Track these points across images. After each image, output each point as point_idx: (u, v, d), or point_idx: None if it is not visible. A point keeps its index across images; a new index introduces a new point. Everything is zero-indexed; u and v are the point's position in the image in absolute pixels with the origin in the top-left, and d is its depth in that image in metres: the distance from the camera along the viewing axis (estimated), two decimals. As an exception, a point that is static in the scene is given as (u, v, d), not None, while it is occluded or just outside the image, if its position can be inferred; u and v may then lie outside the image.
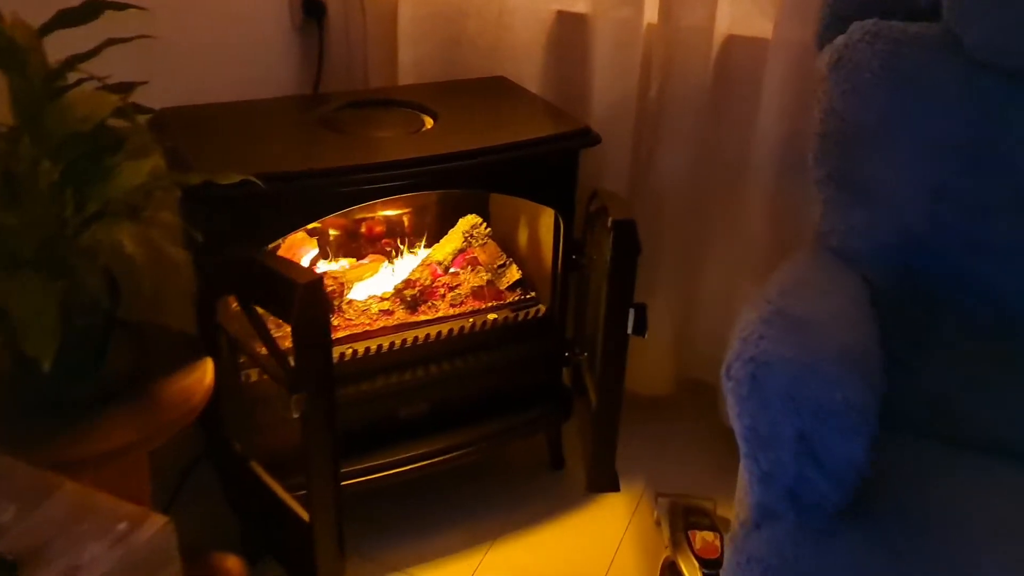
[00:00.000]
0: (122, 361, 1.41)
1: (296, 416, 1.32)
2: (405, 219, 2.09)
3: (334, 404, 1.40)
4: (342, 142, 1.65)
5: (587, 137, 1.73)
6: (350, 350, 1.74)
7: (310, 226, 1.89)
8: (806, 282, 1.37)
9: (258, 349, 1.52)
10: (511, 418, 1.89)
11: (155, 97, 1.71)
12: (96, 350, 1.33)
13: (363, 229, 2.08)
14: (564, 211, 1.80)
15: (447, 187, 1.78)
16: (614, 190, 1.91)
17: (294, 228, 1.59)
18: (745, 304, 1.29)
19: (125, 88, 1.18)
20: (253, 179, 1.27)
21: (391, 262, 1.96)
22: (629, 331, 1.58)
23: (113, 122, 1.26)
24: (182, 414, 1.40)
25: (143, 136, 1.22)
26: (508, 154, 1.65)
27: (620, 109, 1.87)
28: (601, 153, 1.87)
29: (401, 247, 2.00)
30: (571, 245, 1.84)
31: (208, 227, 1.46)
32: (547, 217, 1.87)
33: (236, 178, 1.24)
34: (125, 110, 1.26)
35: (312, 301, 1.30)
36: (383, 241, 2.09)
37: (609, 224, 1.54)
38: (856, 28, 1.43)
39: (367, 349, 1.75)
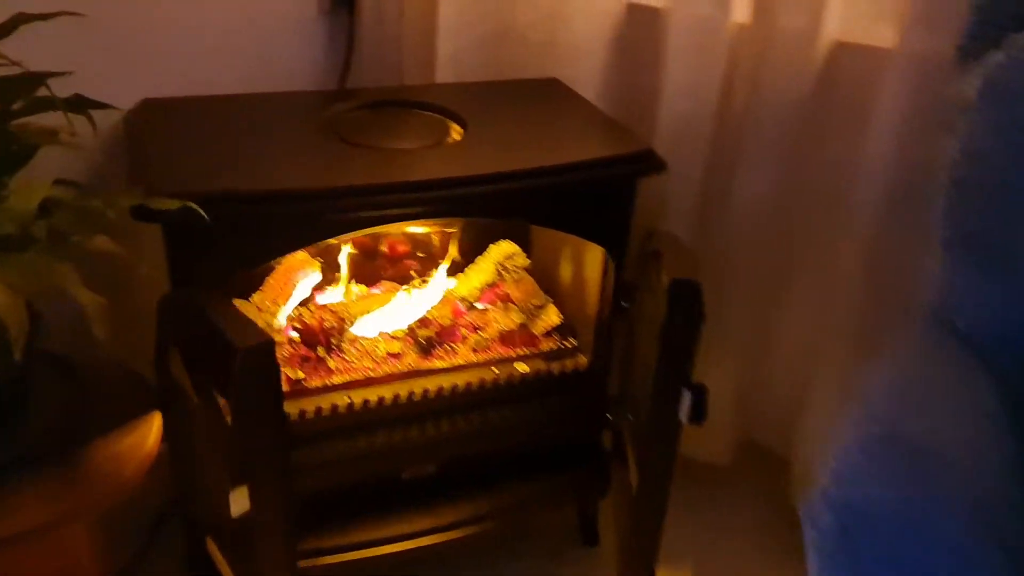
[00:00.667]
0: (49, 415, 1.15)
1: (235, 516, 1.03)
2: (435, 238, 1.78)
3: (288, 500, 1.11)
4: (340, 154, 1.35)
5: (649, 162, 1.40)
6: (346, 400, 1.46)
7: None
8: (922, 384, 1.02)
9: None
10: (537, 485, 1.61)
11: (151, 88, 1.44)
12: (5, 406, 1.07)
13: (384, 247, 1.78)
14: (615, 250, 1.48)
15: (465, 215, 1.47)
16: (677, 228, 1.58)
17: (266, 259, 1.30)
18: (835, 412, 0.94)
19: (35, 79, 0.90)
20: (192, 206, 0.98)
21: (408, 291, 1.66)
22: (683, 418, 1.25)
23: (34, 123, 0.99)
24: (115, 486, 1.13)
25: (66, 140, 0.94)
26: (547, 179, 1.34)
27: (693, 127, 1.54)
28: (664, 181, 1.54)
29: (420, 276, 1.70)
30: (621, 289, 1.52)
31: (171, 254, 1.19)
32: (595, 252, 1.54)
33: (172, 204, 0.96)
34: (52, 102, 0.98)
35: (256, 372, 1.01)
36: (406, 263, 1.79)
37: (666, 283, 1.21)
38: (1018, 43, 1.07)
39: (366, 401, 1.46)
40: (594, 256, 1.55)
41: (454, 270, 1.71)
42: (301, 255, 1.60)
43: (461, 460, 1.51)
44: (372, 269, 1.75)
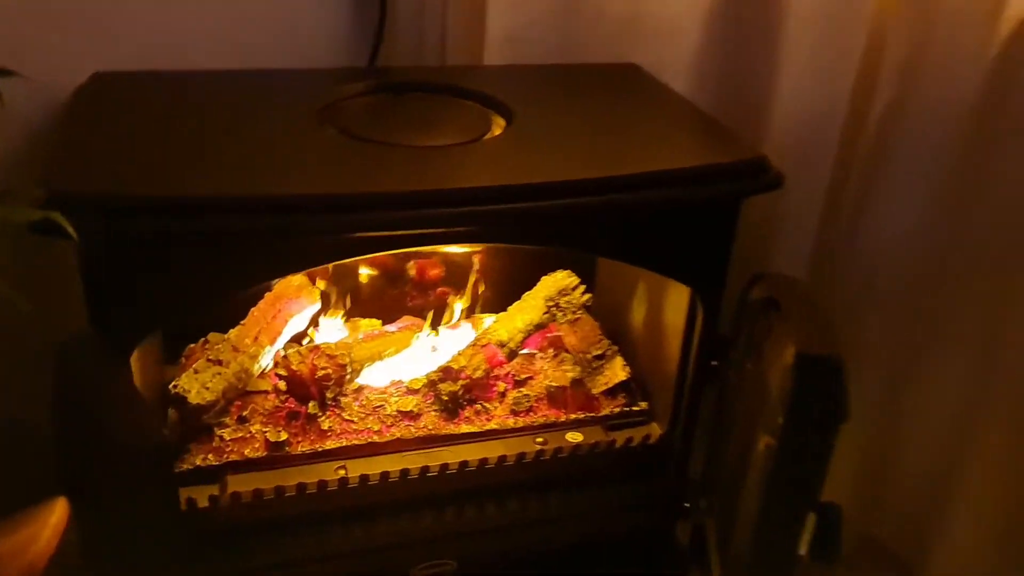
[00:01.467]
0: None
1: None
2: (476, 259, 1.41)
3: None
4: (336, 150, 1.00)
5: (761, 175, 1.02)
6: (340, 473, 1.10)
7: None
8: None
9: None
10: None
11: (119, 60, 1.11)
12: None
13: (411, 271, 1.42)
14: (707, 291, 1.09)
15: (499, 240, 1.09)
16: (786, 270, 1.17)
17: (215, 294, 0.94)
18: None
19: None
20: (56, 217, 0.64)
21: (433, 332, 1.30)
22: (801, 551, 0.85)
23: None
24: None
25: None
26: (616, 195, 0.96)
27: (816, 134, 1.15)
28: (778, 202, 1.14)
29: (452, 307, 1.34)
30: (712, 344, 1.14)
31: (87, 286, 0.86)
32: (680, 293, 1.16)
33: (34, 215, 0.62)
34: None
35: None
36: (439, 291, 1.43)
37: (790, 357, 0.81)
38: None
39: (365, 477, 1.10)
40: (678, 296, 1.17)
41: (498, 304, 1.34)
42: (298, 279, 1.25)
43: (489, 560, 1.20)
44: (395, 298, 1.39)
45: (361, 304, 1.35)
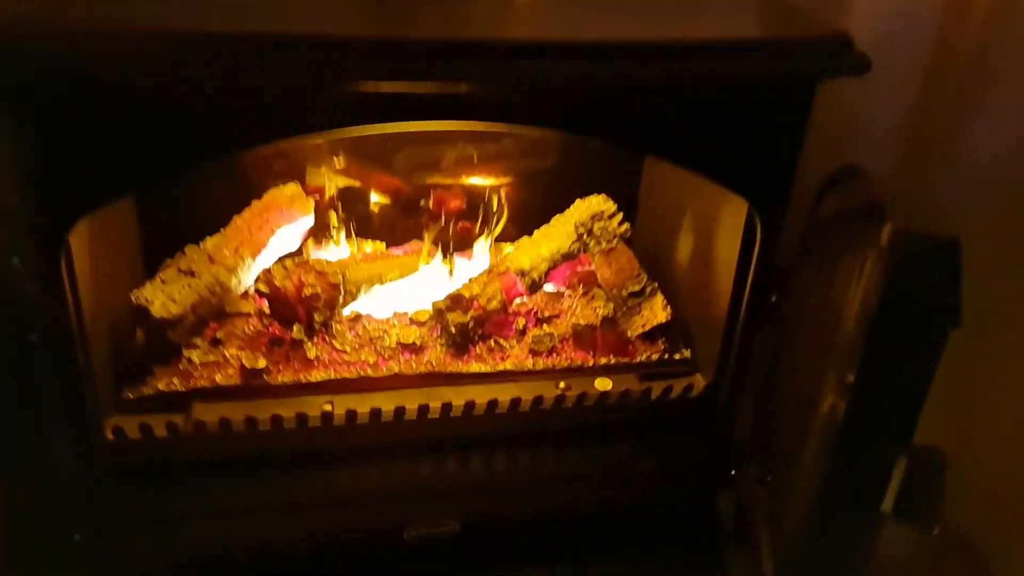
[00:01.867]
0: None
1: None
2: (503, 192, 1.24)
3: None
4: None
5: (842, 56, 0.82)
6: (326, 407, 0.94)
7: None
8: None
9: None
10: (611, 569, 1.08)
11: None
12: None
13: (429, 201, 1.25)
14: (767, 206, 0.90)
15: (533, 121, 0.89)
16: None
17: (163, 171, 0.78)
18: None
19: None
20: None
21: (447, 259, 1.13)
22: (885, 507, 0.66)
23: None
24: None
25: None
26: (672, 64, 0.78)
27: (906, 30, 0.94)
28: (860, 95, 0.95)
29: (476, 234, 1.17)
30: (771, 274, 0.94)
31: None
32: (733, 215, 0.97)
33: None
34: None
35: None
36: (460, 226, 1.26)
37: (884, 238, 0.62)
38: None
39: (352, 413, 0.94)
40: (731, 220, 0.98)
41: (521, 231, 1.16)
42: (291, 188, 1.09)
43: (496, 524, 1.03)
44: (408, 231, 1.22)
45: (368, 235, 1.19)
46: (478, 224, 1.18)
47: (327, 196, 1.16)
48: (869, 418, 0.69)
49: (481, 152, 1.26)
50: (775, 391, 1.04)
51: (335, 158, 1.20)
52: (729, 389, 1.05)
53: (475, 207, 1.26)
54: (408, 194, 1.27)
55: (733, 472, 1.09)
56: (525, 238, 1.13)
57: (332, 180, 1.18)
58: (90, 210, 0.78)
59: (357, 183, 1.22)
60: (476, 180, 1.29)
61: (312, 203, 1.09)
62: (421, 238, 1.19)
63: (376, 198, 1.25)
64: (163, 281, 0.96)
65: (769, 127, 0.87)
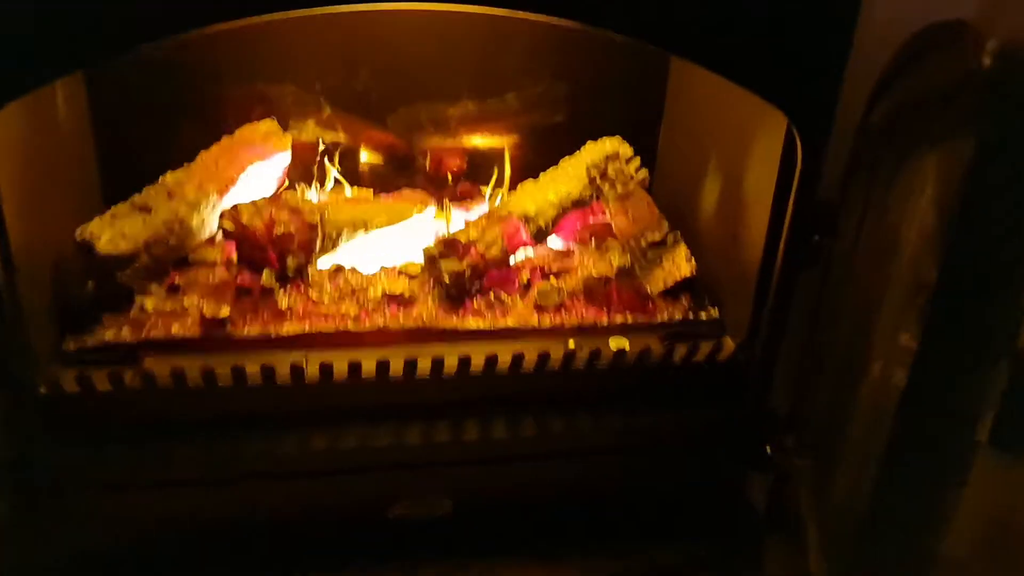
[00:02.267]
0: None
1: None
2: (507, 152, 1.12)
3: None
4: None
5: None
6: (299, 361, 0.81)
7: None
8: None
9: None
10: (624, 558, 0.95)
11: None
12: None
13: (426, 161, 1.13)
14: (808, 118, 0.77)
15: (539, 9, 0.76)
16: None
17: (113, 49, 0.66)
18: None
19: None
20: None
21: (442, 210, 1.00)
22: (980, 435, 0.52)
23: None
24: None
25: None
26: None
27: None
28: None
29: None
30: (813, 208, 0.81)
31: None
32: (767, 143, 0.84)
33: None
34: None
35: None
36: (460, 189, 1.14)
37: (986, 57, 0.49)
38: None
39: (327, 369, 0.81)
40: (765, 150, 0.85)
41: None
42: (267, 125, 0.97)
43: (493, 503, 0.90)
44: (402, 183, 1.11)
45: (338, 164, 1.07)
46: (480, 185, 1.06)
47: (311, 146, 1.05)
48: (955, 329, 0.55)
49: (483, 109, 1.15)
50: (817, 351, 0.90)
51: (323, 109, 1.09)
52: (763, 351, 0.91)
53: (477, 167, 1.15)
54: (403, 152, 1.16)
55: (769, 448, 0.94)
56: (530, 181, 1.00)
57: (318, 134, 1.07)
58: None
59: (344, 137, 1.11)
60: (478, 140, 1.17)
61: (289, 139, 0.97)
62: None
63: (367, 156, 1.13)
64: (114, 216, 0.84)
65: (812, 18, 0.74)
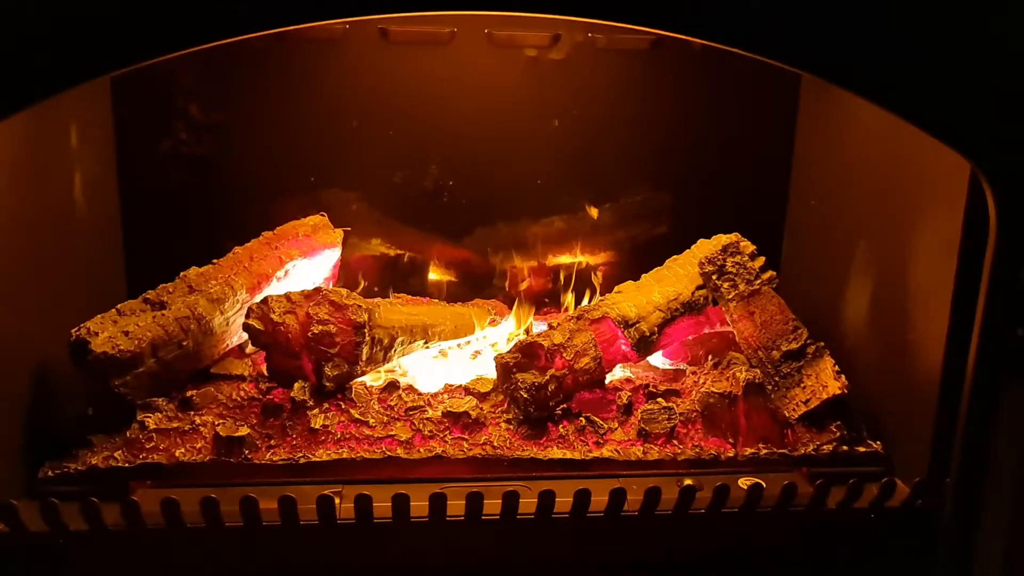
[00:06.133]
0: None
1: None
2: (600, 271, 0.96)
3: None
4: None
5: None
6: (334, 499, 0.61)
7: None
8: None
9: None
10: None
11: None
12: None
13: (505, 282, 0.97)
14: (1006, 171, 0.57)
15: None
16: None
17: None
18: None
19: None
20: None
21: (523, 319, 0.82)
22: None
23: None
24: None
25: None
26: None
27: None
28: None
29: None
30: (1018, 288, 0.59)
31: None
32: (938, 214, 0.64)
33: None
34: None
35: None
36: (544, 311, 0.97)
37: None
38: None
39: (364, 501, 0.61)
40: (937, 227, 0.65)
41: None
42: (315, 219, 0.82)
43: None
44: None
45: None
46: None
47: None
48: None
49: (575, 224, 0.99)
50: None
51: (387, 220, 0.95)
52: (956, 495, 0.67)
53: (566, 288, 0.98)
54: (479, 270, 0.99)
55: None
56: (630, 283, 0.81)
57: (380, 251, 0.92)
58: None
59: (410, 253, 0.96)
60: (566, 258, 1.01)
61: (340, 234, 0.81)
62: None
63: (435, 273, 0.97)
64: (120, 312, 0.69)
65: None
